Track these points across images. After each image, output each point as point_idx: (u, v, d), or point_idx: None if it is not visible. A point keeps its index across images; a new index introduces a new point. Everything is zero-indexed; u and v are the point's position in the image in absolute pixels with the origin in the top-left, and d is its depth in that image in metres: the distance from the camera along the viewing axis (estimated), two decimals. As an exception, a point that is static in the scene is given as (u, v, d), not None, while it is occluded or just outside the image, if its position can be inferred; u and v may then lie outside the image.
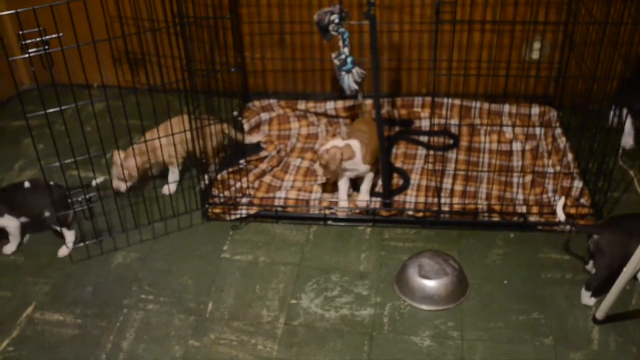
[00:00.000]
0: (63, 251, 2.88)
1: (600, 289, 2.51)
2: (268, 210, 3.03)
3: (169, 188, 3.20)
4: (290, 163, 3.35)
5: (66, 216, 2.84)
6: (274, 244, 2.91)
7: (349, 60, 2.84)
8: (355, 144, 2.91)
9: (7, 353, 2.43)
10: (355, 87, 2.89)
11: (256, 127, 3.63)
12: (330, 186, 3.10)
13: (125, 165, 3.00)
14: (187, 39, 2.69)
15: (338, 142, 2.91)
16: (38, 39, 2.25)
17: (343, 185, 3.02)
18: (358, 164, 2.92)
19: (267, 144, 3.49)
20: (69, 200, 2.74)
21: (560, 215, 2.55)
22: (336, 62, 2.86)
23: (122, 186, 3.07)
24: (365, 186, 3.03)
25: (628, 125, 3.28)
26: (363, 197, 3.03)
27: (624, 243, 2.42)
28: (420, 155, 3.35)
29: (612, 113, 3.20)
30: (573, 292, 2.58)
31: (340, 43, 2.82)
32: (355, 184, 3.07)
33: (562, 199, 2.62)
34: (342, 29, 2.79)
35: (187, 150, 3.15)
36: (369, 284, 2.68)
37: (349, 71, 2.86)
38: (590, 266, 2.64)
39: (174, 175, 3.23)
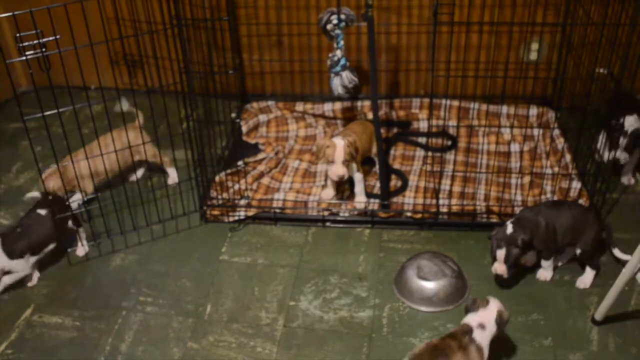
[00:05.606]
0: (80, 250, 2.88)
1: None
2: (266, 212, 3.03)
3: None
4: (289, 165, 3.35)
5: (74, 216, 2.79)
6: (272, 246, 2.91)
7: (341, 63, 2.83)
8: (339, 142, 2.87)
9: (6, 356, 2.42)
10: (340, 91, 2.88)
11: (254, 129, 3.63)
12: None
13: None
14: (184, 41, 2.69)
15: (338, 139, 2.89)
16: (35, 42, 2.25)
17: (332, 182, 3.04)
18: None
19: (265, 145, 3.49)
20: (67, 203, 2.74)
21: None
22: (328, 62, 2.86)
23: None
24: (357, 188, 3.03)
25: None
26: (359, 198, 3.03)
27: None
28: (418, 157, 3.35)
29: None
30: (572, 293, 2.58)
31: (335, 44, 2.83)
32: (352, 186, 3.07)
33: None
34: (337, 31, 2.79)
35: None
36: (368, 285, 2.68)
37: (337, 74, 2.86)
38: (617, 251, 2.67)
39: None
